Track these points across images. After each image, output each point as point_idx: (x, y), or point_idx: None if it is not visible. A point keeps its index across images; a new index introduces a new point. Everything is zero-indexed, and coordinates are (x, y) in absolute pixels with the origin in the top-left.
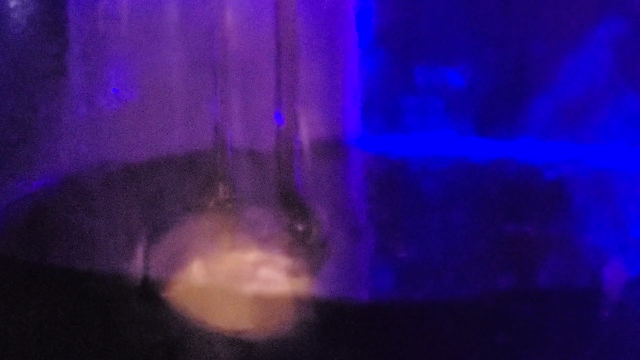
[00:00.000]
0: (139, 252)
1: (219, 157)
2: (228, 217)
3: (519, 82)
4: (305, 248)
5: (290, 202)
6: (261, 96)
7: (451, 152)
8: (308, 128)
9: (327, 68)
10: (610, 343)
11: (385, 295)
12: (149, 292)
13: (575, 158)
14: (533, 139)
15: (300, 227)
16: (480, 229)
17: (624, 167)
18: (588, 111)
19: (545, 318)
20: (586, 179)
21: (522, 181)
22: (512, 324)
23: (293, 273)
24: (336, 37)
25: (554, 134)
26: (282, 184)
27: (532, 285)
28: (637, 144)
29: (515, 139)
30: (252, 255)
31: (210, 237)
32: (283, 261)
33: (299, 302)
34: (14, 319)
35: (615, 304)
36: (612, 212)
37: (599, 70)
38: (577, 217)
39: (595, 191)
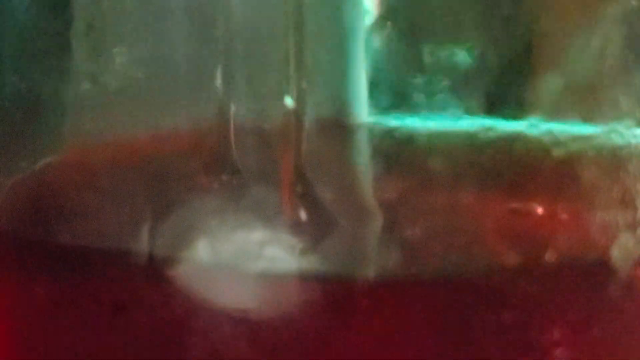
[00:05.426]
0: (144, 230)
1: (224, 134)
2: (233, 195)
3: (528, 59)
4: (311, 227)
5: (296, 180)
6: (266, 73)
7: (459, 131)
8: (314, 105)
9: (334, 45)
10: (619, 321)
11: (391, 274)
12: (155, 271)
13: (584, 136)
14: (542, 117)
15: (305, 206)
16: (488, 206)
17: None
18: (597, 89)
19: (553, 296)
20: (595, 157)
21: (530, 159)
22: (519, 303)
23: (299, 252)
24: (343, 14)
25: (563, 112)
26: (287, 162)
27: (540, 263)
28: None
29: (523, 118)
30: (257, 234)
31: (216, 215)
32: (289, 240)
33: (305, 281)
34: (19, 297)
35: (625, 283)
36: (621, 190)
37: (609, 47)
38: (586, 195)
39: (605, 169)
